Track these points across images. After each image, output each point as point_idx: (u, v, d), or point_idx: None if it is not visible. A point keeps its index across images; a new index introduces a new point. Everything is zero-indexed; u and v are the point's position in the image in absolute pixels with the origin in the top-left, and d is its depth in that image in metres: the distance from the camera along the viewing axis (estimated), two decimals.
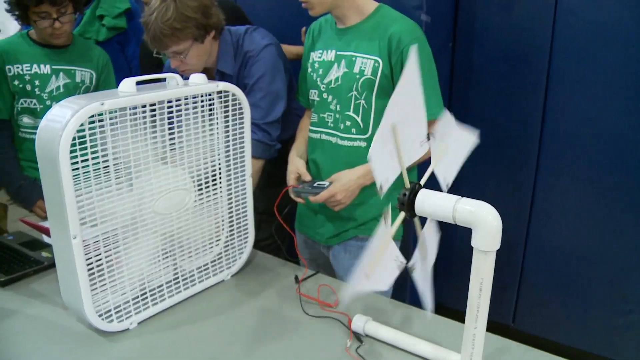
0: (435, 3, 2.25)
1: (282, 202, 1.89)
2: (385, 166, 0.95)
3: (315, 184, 1.67)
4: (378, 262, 0.94)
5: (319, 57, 1.76)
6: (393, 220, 0.99)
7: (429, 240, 1.07)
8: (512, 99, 2.41)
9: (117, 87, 2.22)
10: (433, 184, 1.04)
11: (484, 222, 0.91)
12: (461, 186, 1.19)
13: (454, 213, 0.93)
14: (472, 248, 0.93)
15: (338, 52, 1.71)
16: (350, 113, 1.68)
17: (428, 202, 0.96)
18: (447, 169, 1.07)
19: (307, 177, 1.76)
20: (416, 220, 1.04)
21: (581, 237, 2.39)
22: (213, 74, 1.96)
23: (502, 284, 2.61)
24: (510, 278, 2.61)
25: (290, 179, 1.77)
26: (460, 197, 0.95)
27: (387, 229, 0.96)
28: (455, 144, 1.07)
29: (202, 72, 1.96)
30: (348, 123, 1.69)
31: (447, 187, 1.07)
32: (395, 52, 1.60)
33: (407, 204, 0.98)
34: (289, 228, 1.74)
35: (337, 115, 1.71)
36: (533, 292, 2.61)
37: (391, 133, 0.93)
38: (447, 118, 1.06)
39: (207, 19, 1.80)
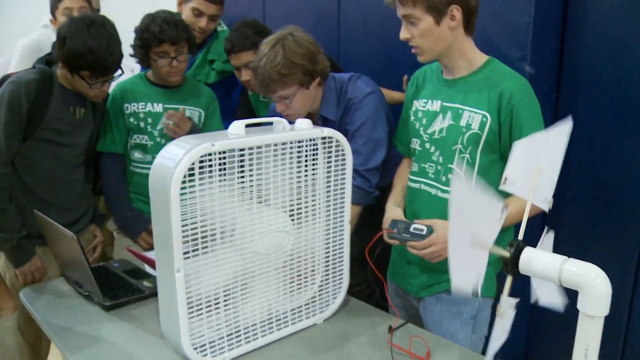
0: (539, 55, 2.21)
1: (375, 248, 1.89)
2: (470, 275, 0.95)
3: (411, 229, 1.63)
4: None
5: (423, 107, 1.76)
6: (487, 276, 0.97)
7: (506, 319, 1.04)
8: (619, 153, 2.31)
9: (221, 126, 2.36)
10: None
11: (593, 285, 0.88)
12: (562, 244, 1.16)
13: (560, 274, 0.91)
14: (573, 309, 0.91)
15: (444, 103, 1.70)
16: (454, 166, 1.66)
17: (534, 261, 0.95)
18: (544, 186, 1.03)
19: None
20: (508, 283, 1.01)
21: None
22: (316, 119, 2.01)
23: (603, 352, 2.47)
24: (612, 347, 2.48)
25: (387, 225, 1.74)
26: (566, 257, 0.93)
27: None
28: (546, 153, 1.03)
29: (305, 116, 2.02)
30: (450, 176, 1.67)
31: (550, 204, 1.04)
32: (506, 108, 1.58)
33: (511, 262, 0.96)
34: (380, 274, 1.73)
35: (439, 167, 1.70)
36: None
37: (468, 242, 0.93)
38: (527, 142, 1.04)
39: (313, 66, 1.86)
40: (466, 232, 0.95)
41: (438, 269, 1.72)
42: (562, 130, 0.96)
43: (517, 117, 1.58)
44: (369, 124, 1.93)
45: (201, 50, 2.62)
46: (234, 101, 2.78)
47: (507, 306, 1.02)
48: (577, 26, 2.27)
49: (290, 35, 1.85)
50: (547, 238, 1.01)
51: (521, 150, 1.01)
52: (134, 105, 2.24)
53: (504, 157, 1.64)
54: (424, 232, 1.60)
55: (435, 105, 1.72)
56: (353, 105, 1.94)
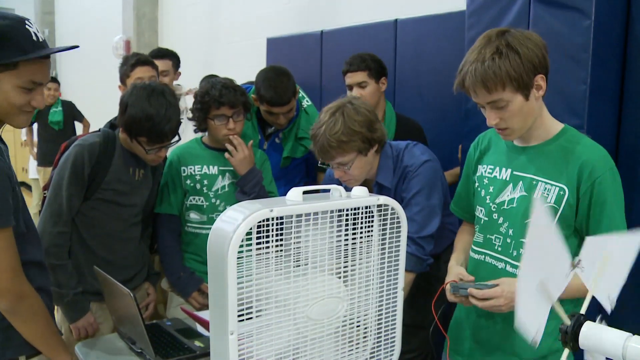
0: (596, 122, 2.19)
1: (429, 315, 1.87)
2: (533, 318, 0.94)
3: (477, 283, 1.57)
4: None
5: (490, 173, 1.69)
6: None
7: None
8: None
9: (272, 185, 2.41)
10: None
11: None
12: (625, 318, 1.12)
13: (624, 352, 0.89)
14: None
15: (515, 172, 1.62)
16: (525, 241, 1.56)
17: (594, 338, 0.92)
18: (609, 285, 1.00)
19: (469, 277, 1.66)
20: (565, 352, 0.99)
21: None
22: (372, 185, 2.03)
23: None
24: None
25: (451, 278, 1.68)
26: (631, 334, 0.90)
27: None
28: (616, 254, 0.99)
29: (362, 183, 2.04)
30: (522, 251, 1.58)
31: (613, 304, 1.00)
32: (586, 182, 1.50)
33: (570, 337, 0.94)
34: (444, 331, 1.68)
35: (509, 240, 1.61)
36: None
37: (537, 285, 0.91)
38: (596, 241, 1.02)
39: (371, 133, 1.89)
40: (537, 271, 0.93)
41: (507, 351, 1.64)
42: (635, 239, 0.94)
43: (599, 193, 1.50)
44: (425, 191, 1.94)
45: (288, 126, 2.72)
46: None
47: None
48: (635, 93, 2.25)
49: (349, 104, 1.89)
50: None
51: (595, 242, 0.99)
52: (190, 168, 2.32)
53: (577, 232, 1.56)
54: (489, 284, 1.54)
55: (505, 174, 1.65)
56: (409, 172, 1.96)
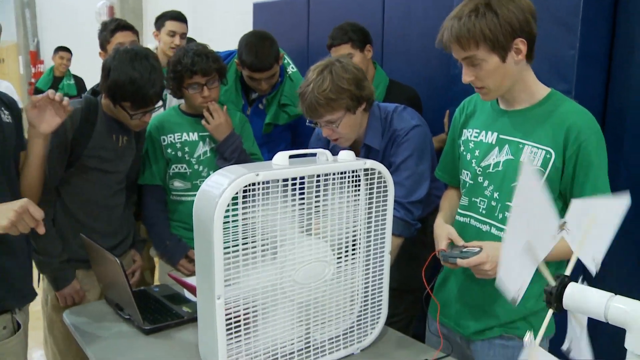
0: (584, 88, 2.19)
1: (414, 279, 1.88)
2: (515, 277, 0.94)
3: (464, 249, 1.56)
4: None
5: (475, 137, 1.69)
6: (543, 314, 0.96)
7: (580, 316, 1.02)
8: None
9: (254, 148, 2.40)
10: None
11: None
12: (606, 278, 1.13)
13: (606, 311, 0.89)
14: (619, 346, 0.89)
15: (501, 136, 1.62)
16: (512, 204, 1.59)
17: (577, 298, 0.93)
18: (594, 248, 0.99)
19: (460, 241, 1.64)
20: (549, 312, 1.00)
21: None
22: (359, 147, 2.02)
23: None
24: None
25: (442, 244, 1.66)
26: (613, 294, 0.91)
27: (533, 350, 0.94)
28: (601, 217, 0.99)
29: (351, 145, 2.04)
30: (507, 214, 1.58)
31: (597, 267, 0.99)
32: (572, 145, 1.50)
33: (555, 298, 0.94)
34: (435, 298, 1.70)
35: (494, 203, 1.62)
36: None
37: (523, 245, 0.92)
38: (583, 202, 1.02)
39: (360, 91, 1.88)
40: (523, 231, 0.93)
41: (489, 313, 1.66)
42: (620, 203, 0.93)
43: (585, 156, 1.50)
44: (414, 157, 1.93)
45: (272, 92, 2.69)
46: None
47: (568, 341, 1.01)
48: (624, 60, 2.25)
49: (337, 62, 1.88)
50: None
51: (582, 204, 0.99)
52: (170, 137, 2.30)
53: (562, 196, 1.56)
54: (476, 251, 1.53)
55: (491, 137, 1.64)
56: (398, 137, 1.95)
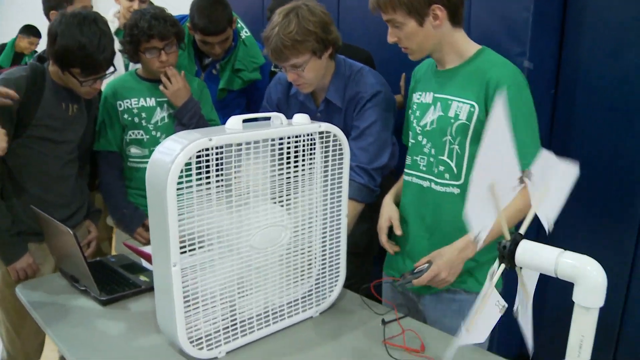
0: (538, 50, 2.22)
1: (368, 241, 1.92)
2: (482, 218, 0.95)
3: (415, 271, 1.62)
4: (479, 315, 0.93)
5: (418, 99, 1.76)
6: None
7: (529, 283, 1.04)
8: (615, 149, 2.32)
9: (213, 114, 2.37)
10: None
11: (588, 277, 0.88)
12: (559, 237, 1.16)
13: (556, 266, 0.91)
14: (568, 301, 0.91)
15: (435, 95, 1.70)
16: (444, 158, 1.66)
17: (529, 254, 0.95)
18: (549, 208, 1.02)
19: (399, 230, 1.76)
20: (500, 268, 1.02)
21: None
22: (320, 101, 2.01)
23: (598, 342, 2.48)
24: (606, 337, 2.49)
25: (382, 227, 1.79)
26: (562, 250, 0.93)
27: (491, 286, 0.95)
28: (556, 180, 1.02)
29: (311, 95, 2.02)
30: (442, 168, 1.67)
31: (550, 227, 1.03)
32: (493, 97, 1.56)
33: (507, 255, 0.96)
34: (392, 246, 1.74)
35: (431, 159, 1.69)
36: (632, 353, 2.46)
37: (487, 188, 0.92)
38: (545, 157, 1.03)
39: (326, 35, 1.86)
40: (488, 175, 0.94)
41: None
42: (571, 172, 0.95)
43: (494, 107, 1.56)
44: (379, 123, 1.93)
45: (225, 57, 2.63)
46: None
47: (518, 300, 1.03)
48: (577, 22, 2.27)
49: (304, 5, 1.86)
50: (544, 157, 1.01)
51: (547, 158, 0.99)
52: (127, 102, 2.24)
53: None
54: (427, 267, 1.59)
55: (428, 97, 1.72)
56: (362, 99, 1.94)
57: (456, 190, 1.66)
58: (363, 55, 2.61)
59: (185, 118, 2.20)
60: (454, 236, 1.63)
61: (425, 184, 1.72)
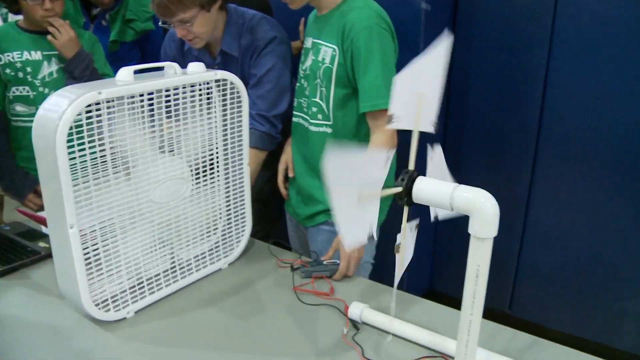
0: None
1: (272, 187, 1.93)
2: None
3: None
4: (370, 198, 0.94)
5: (304, 45, 1.82)
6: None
7: (409, 242, 1.06)
8: (511, 88, 2.41)
9: (107, 68, 2.26)
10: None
11: (481, 209, 0.91)
12: (460, 175, 1.19)
13: (451, 200, 0.93)
14: (469, 236, 0.93)
15: (313, 40, 1.75)
16: (317, 100, 1.72)
17: (426, 189, 0.96)
18: (427, 111, 1.01)
19: (291, 172, 1.87)
20: (405, 212, 1.03)
21: (577, 225, 2.41)
22: (216, 53, 1.96)
23: (500, 271, 2.62)
24: (508, 265, 2.63)
25: (279, 170, 1.91)
26: (457, 184, 0.95)
27: (385, 168, 0.97)
28: (426, 79, 1.00)
29: (207, 49, 1.95)
30: (315, 109, 1.74)
31: (436, 127, 1.03)
32: (346, 40, 1.61)
33: (404, 192, 0.97)
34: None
35: (309, 101, 1.76)
36: (530, 279, 2.62)
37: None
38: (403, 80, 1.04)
39: None
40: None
41: (317, 200, 1.82)
42: (441, 48, 0.95)
43: (357, 49, 1.59)
44: (276, 69, 1.90)
45: (115, 7, 2.49)
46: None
47: (408, 230, 1.04)
48: None
49: None
50: (436, 152, 1.02)
51: (401, 83, 0.99)
52: (8, 56, 2.09)
53: (356, 92, 1.67)
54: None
55: (308, 43, 1.77)
56: (258, 47, 1.90)
57: (329, 130, 1.73)
58: (258, 2, 2.55)
59: (77, 71, 2.08)
60: None
61: (306, 124, 1.79)
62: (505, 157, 2.51)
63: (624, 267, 2.35)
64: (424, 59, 0.93)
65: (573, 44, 2.21)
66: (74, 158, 1.19)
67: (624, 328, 2.42)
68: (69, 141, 1.17)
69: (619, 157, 2.23)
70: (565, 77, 2.27)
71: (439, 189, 0.95)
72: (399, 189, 0.97)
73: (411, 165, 0.98)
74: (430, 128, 1.00)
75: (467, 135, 2.58)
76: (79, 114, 1.17)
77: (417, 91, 0.97)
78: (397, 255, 1.05)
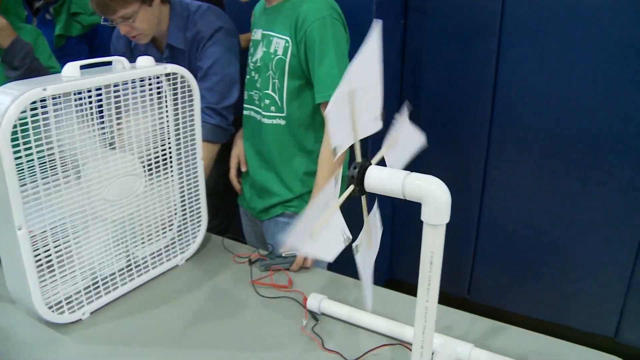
0: None
1: (226, 181, 1.91)
2: (342, 131, 0.94)
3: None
4: (325, 224, 0.93)
5: (253, 37, 1.80)
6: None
7: (374, 230, 1.06)
8: (463, 74, 2.44)
9: (53, 62, 2.19)
10: None
11: (433, 196, 0.91)
12: (415, 163, 1.19)
13: (403, 188, 0.93)
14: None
15: (263, 32, 1.74)
16: (269, 92, 1.71)
17: (377, 178, 0.96)
18: (395, 160, 1.06)
19: (244, 167, 1.87)
20: (363, 203, 1.03)
21: (532, 209, 2.45)
22: (163, 48, 1.92)
23: (458, 257, 2.66)
24: (465, 251, 2.66)
25: (231, 164, 1.90)
26: (409, 172, 0.95)
27: (336, 189, 0.96)
28: (405, 139, 1.06)
29: (154, 44, 1.91)
30: (267, 101, 1.73)
31: (381, 119, 1.04)
32: (299, 31, 1.61)
33: (356, 180, 0.97)
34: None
35: (261, 94, 1.75)
36: (487, 264, 2.66)
37: (349, 98, 0.91)
38: (404, 113, 1.05)
39: None
40: (309, 227, 0.94)
41: (273, 193, 1.82)
42: (373, 37, 0.95)
43: (310, 40, 1.60)
44: (223, 60, 1.87)
45: (59, 0, 2.40)
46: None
47: (373, 222, 1.04)
48: None
49: None
50: (402, 115, 1.02)
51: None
52: None
53: (310, 83, 1.67)
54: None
55: (258, 35, 1.76)
56: (202, 39, 1.86)
57: (282, 122, 1.73)
58: None
59: (16, 60, 2.00)
60: (284, 167, 1.76)
61: (259, 117, 1.78)
62: (459, 144, 2.54)
63: (576, 249, 2.41)
64: (357, 59, 0.92)
65: (523, 30, 2.24)
66: (20, 157, 1.15)
67: (577, 308, 2.48)
68: (13, 140, 1.13)
69: (571, 141, 2.28)
70: (515, 64, 2.30)
71: (390, 177, 0.95)
72: (352, 188, 0.97)
73: (358, 159, 0.97)
74: (376, 126, 1.00)
75: (420, 123, 2.56)
76: (24, 111, 1.14)
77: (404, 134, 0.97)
78: (356, 257, 1.04)
